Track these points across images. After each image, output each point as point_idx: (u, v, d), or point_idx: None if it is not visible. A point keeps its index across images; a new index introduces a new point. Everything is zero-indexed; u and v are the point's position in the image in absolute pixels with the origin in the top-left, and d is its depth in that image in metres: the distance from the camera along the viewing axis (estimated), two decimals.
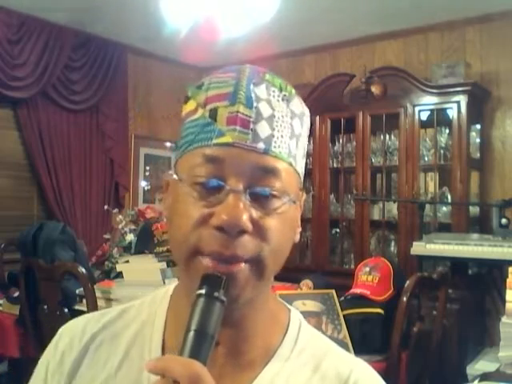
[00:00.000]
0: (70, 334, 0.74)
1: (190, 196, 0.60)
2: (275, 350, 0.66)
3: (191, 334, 0.54)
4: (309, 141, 4.19)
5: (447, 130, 3.63)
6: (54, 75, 4.09)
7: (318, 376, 0.65)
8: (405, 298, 2.07)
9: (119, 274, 2.74)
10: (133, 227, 3.03)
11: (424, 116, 3.72)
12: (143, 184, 4.91)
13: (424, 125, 3.72)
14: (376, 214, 3.94)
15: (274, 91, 0.61)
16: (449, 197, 3.63)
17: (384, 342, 2.11)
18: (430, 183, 3.84)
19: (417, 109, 3.67)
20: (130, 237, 2.99)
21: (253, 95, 0.60)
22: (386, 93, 3.75)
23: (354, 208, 3.99)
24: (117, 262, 2.80)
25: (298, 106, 0.64)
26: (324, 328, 2.11)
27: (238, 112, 0.59)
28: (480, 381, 1.78)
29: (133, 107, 4.78)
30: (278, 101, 0.61)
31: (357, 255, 3.89)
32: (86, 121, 4.41)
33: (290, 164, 0.62)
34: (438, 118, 3.60)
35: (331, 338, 2.19)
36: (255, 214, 0.59)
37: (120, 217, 3.15)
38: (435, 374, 2.35)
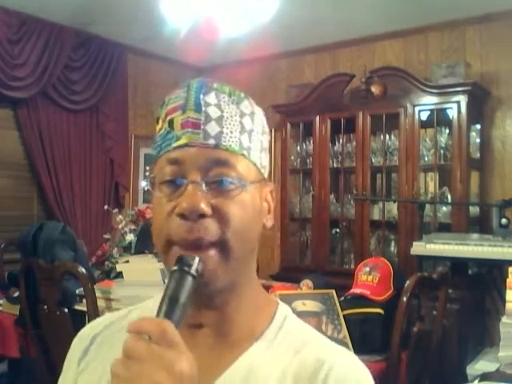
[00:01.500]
0: (80, 335, 0.84)
1: (160, 195, 0.70)
2: (260, 334, 0.72)
3: (165, 300, 0.62)
4: (309, 141, 4.22)
5: (447, 130, 3.63)
6: (54, 75, 4.09)
7: (298, 359, 0.69)
8: (405, 298, 2.06)
9: (119, 274, 2.74)
10: (133, 227, 3.03)
11: (424, 116, 3.71)
12: (143, 184, 4.91)
13: (424, 125, 3.72)
14: (376, 214, 3.94)
15: (223, 97, 0.71)
16: (449, 197, 3.63)
17: (384, 342, 2.11)
18: (429, 183, 3.84)
19: (417, 109, 3.67)
20: (130, 237, 2.99)
21: (202, 102, 0.70)
22: (386, 93, 3.75)
23: (354, 208, 3.99)
24: (117, 262, 2.80)
25: (248, 106, 0.74)
26: (324, 328, 2.11)
27: (188, 117, 0.70)
28: (480, 381, 1.78)
29: (133, 107, 4.78)
30: (228, 104, 0.71)
31: (357, 255, 3.89)
32: (86, 121, 4.41)
33: (244, 155, 0.70)
34: (438, 118, 3.60)
35: (331, 338, 2.20)
36: (214, 200, 0.67)
37: (120, 217, 3.15)
38: (435, 373, 2.35)
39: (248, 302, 0.74)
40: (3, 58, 3.78)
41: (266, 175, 0.76)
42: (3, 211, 3.98)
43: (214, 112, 0.70)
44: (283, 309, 0.77)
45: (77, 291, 2.47)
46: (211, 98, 0.71)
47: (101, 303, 2.36)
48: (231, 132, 0.70)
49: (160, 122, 0.73)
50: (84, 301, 2.28)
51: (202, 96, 0.71)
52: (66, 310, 2.30)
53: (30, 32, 3.95)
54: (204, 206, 0.66)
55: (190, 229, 0.66)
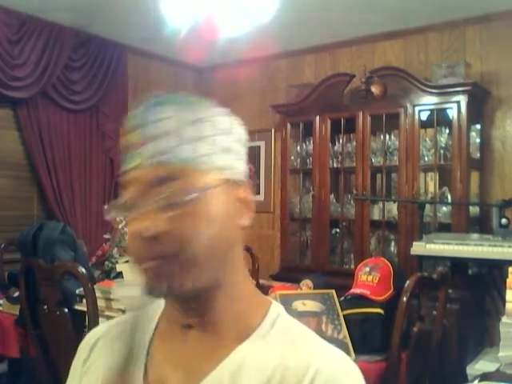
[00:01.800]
0: (87, 337, 0.87)
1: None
2: (253, 331, 0.73)
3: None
4: (309, 141, 4.22)
5: (447, 130, 3.63)
6: (54, 75, 4.09)
7: (287, 358, 0.69)
8: (405, 298, 2.06)
9: (119, 274, 2.74)
10: None
11: (424, 116, 3.71)
12: None
13: (424, 125, 3.72)
14: (376, 214, 3.94)
15: (166, 110, 0.71)
16: (449, 197, 3.63)
17: (384, 342, 2.10)
18: (430, 183, 3.84)
19: (417, 109, 3.67)
20: None
21: (138, 122, 0.71)
22: (386, 93, 3.75)
23: (354, 208, 3.99)
24: (117, 262, 2.80)
25: (199, 111, 0.73)
26: (324, 328, 2.11)
27: (128, 141, 0.71)
28: (480, 381, 1.78)
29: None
30: (170, 116, 0.71)
31: (357, 255, 3.89)
32: (86, 121, 4.41)
33: (191, 165, 0.70)
34: (438, 118, 3.60)
35: (331, 338, 2.20)
36: (166, 217, 0.68)
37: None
38: (435, 373, 2.35)
39: (236, 302, 0.74)
40: (3, 58, 3.78)
41: (235, 175, 0.73)
42: (3, 211, 3.98)
43: (155, 128, 0.70)
44: (276, 308, 0.77)
45: (77, 291, 2.47)
46: (152, 114, 0.71)
47: (101, 303, 2.36)
48: (176, 145, 0.69)
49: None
50: (84, 301, 2.28)
51: (142, 114, 0.72)
52: (66, 309, 2.30)
53: (30, 32, 3.95)
54: (149, 227, 0.67)
55: (143, 249, 0.69)
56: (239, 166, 0.75)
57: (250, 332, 0.73)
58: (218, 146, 0.72)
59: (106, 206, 0.74)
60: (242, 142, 0.76)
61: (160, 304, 0.80)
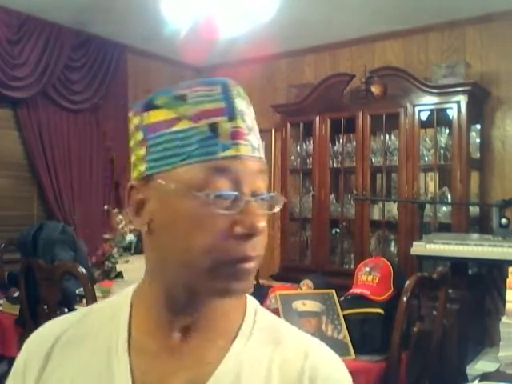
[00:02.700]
0: (32, 344, 0.77)
1: (205, 207, 0.63)
2: (237, 330, 0.72)
3: None
4: (309, 141, 4.22)
5: (447, 130, 3.62)
6: (54, 75, 4.09)
7: (280, 349, 0.71)
8: (405, 298, 2.06)
9: (119, 274, 2.74)
10: (133, 227, 3.03)
11: (424, 116, 3.71)
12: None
13: (424, 125, 3.72)
14: (376, 214, 3.94)
15: (246, 102, 0.69)
16: (449, 197, 3.63)
17: (384, 342, 2.10)
18: (430, 183, 3.84)
19: (417, 109, 3.67)
20: (130, 237, 2.99)
21: (241, 109, 0.67)
22: (386, 93, 3.75)
23: (354, 208, 3.99)
24: (117, 262, 2.80)
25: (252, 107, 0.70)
26: (324, 328, 2.11)
27: (238, 127, 0.65)
28: (480, 381, 1.78)
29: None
30: (249, 109, 0.69)
31: (357, 255, 3.89)
32: (86, 121, 4.41)
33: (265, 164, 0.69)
34: (438, 118, 3.60)
35: (331, 338, 2.19)
36: (266, 215, 0.67)
37: (120, 217, 3.15)
38: (435, 374, 2.35)
39: (222, 301, 0.72)
40: (3, 58, 3.78)
41: None
42: (3, 211, 3.98)
43: (249, 121, 0.67)
44: (251, 302, 0.76)
45: (77, 291, 2.48)
46: (244, 104, 0.68)
47: None
48: (258, 140, 0.69)
49: (171, 115, 0.66)
50: (84, 301, 2.28)
51: (240, 102, 0.67)
52: (66, 309, 2.31)
53: (30, 32, 3.95)
54: (264, 225, 0.65)
55: (253, 247, 0.65)
56: None
57: (235, 328, 0.72)
58: (261, 144, 0.71)
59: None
60: None
61: (121, 307, 0.75)
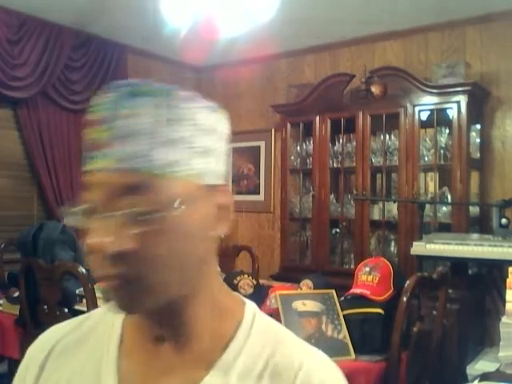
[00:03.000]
0: (32, 350, 0.78)
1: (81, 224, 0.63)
2: (228, 341, 0.68)
3: None
4: (309, 141, 4.22)
5: (447, 130, 3.63)
6: (54, 75, 4.09)
7: (275, 356, 0.67)
8: (405, 298, 2.07)
9: None
10: None
11: (424, 116, 3.71)
12: None
13: (424, 125, 3.72)
14: (376, 214, 3.94)
15: (142, 104, 0.60)
16: (449, 197, 3.63)
17: (384, 342, 2.10)
18: (430, 183, 3.84)
19: (417, 109, 3.67)
20: None
21: (108, 116, 0.60)
22: (386, 93, 3.75)
23: (354, 208, 3.99)
24: None
25: (179, 107, 0.62)
26: (324, 328, 2.11)
27: (95, 139, 0.60)
28: (480, 381, 1.78)
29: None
30: (147, 112, 0.60)
31: (357, 255, 3.89)
32: None
33: (164, 174, 0.60)
34: (438, 118, 3.60)
35: (331, 338, 2.19)
36: (131, 233, 0.59)
37: None
38: (435, 374, 2.35)
39: (208, 307, 0.69)
40: (3, 58, 3.78)
41: (214, 179, 0.65)
42: (3, 211, 3.98)
43: (126, 127, 0.59)
44: (250, 308, 0.73)
45: (77, 291, 2.48)
46: (126, 107, 0.60)
47: (101, 303, 2.36)
48: (150, 149, 0.59)
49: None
50: (84, 301, 2.28)
51: (116, 106, 0.60)
52: (66, 309, 2.31)
53: (30, 32, 3.95)
54: (111, 244, 0.58)
55: (104, 266, 0.60)
56: (220, 168, 0.66)
57: (227, 338, 0.68)
58: (197, 149, 0.62)
59: (62, 208, 0.65)
60: (225, 139, 0.67)
61: (98, 315, 0.76)
